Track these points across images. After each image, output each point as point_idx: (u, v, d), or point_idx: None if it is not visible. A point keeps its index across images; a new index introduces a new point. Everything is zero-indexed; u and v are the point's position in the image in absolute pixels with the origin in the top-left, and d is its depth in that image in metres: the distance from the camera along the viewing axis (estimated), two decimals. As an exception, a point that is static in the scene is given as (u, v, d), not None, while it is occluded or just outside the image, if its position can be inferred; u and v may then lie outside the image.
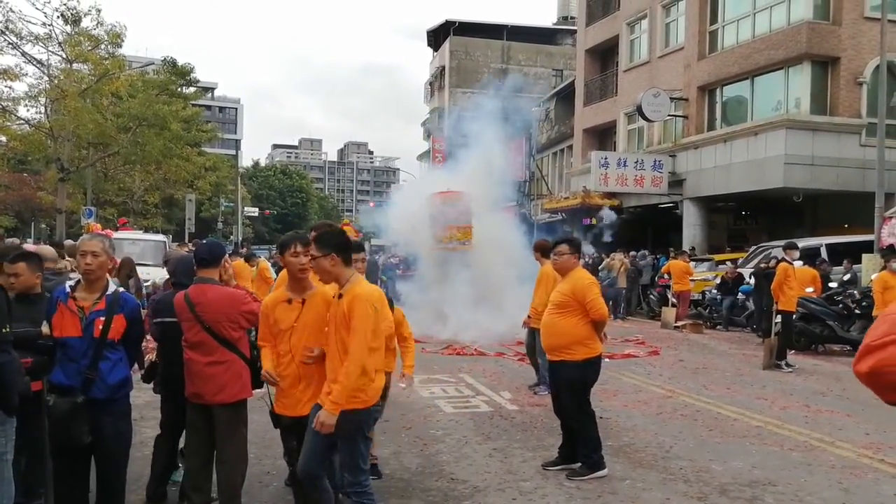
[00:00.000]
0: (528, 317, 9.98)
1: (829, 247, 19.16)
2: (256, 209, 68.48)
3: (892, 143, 18.60)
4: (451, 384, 10.53)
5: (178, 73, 33.66)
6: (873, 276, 15.34)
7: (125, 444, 4.61)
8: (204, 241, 5.57)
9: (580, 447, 6.31)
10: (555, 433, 7.41)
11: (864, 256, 16.98)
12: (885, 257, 13.01)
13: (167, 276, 6.13)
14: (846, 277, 17.05)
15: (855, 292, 15.05)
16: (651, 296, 22.57)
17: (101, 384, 4.37)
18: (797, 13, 21.78)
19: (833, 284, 16.06)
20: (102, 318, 4.39)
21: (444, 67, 54.03)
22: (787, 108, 22.14)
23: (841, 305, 14.67)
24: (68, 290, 4.48)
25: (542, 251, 10.25)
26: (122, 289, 4.73)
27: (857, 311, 14.48)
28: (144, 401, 7.61)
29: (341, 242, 4.28)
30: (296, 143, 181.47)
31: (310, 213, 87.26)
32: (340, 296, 4.20)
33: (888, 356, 1.56)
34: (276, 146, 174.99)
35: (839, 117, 21.57)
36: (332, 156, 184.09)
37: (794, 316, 13.31)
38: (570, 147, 35.97)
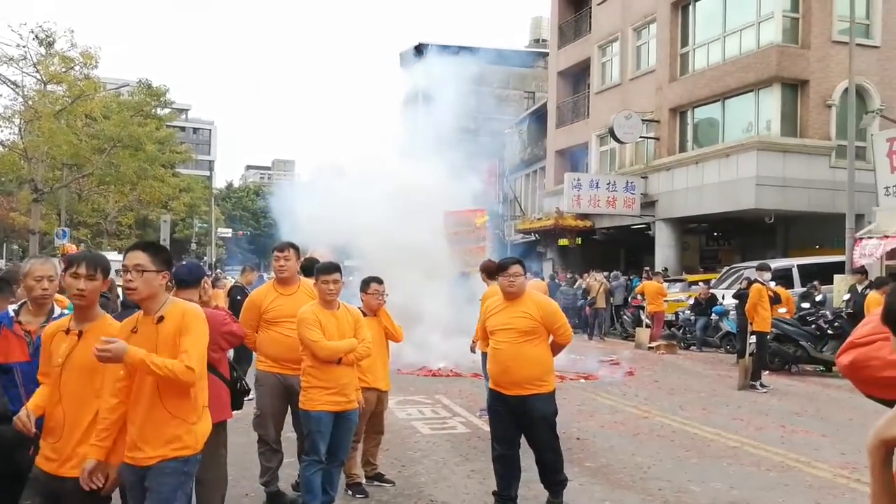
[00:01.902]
0: (474, 341, 9.67)
1: (801, 268, 19.40)
2: (230, 230, 68.12)
3: (862, 165, 18.88)
4: (428, 405, 10.50)
5: (153, 94, 33.58)
6: (845, 297, 15.56)
7: None
8: (183, 263, 5.51)
9: (554, 476, 5.89)
10: (531, 456, 7.39)
11: (836, 277, 17.18)
12: (877, 282, 12.99)
13: None
14: (818, 298, 17.25)
15: (827, 313, 15.23)
16: (625, 316, 22.72)
17: None
18: (766, 37, 22.15)
19: (805, 305, 16.23)
20: None
21: (416, 90, 54.17)
22: (758, 130, 22.45)
23: (814, 326, 14.83)
24: (12, 314, 4.33)
25: (489, 273, 9.54)
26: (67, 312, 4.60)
27: (829, 332, 14.65)
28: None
29: (171, 263, 3.75)
30: (269, 165, 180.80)
31: (283, 235, 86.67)
32: (161, 318, 3.51)
33: (868, 351, 1.70)
34: (249, 167, 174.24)
35: (809, 139, 21.90)
36: (306, 176, 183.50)
37: (769, 336, 13.43)
38: (543, 168, 36.18)
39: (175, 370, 3.36)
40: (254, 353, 6.46)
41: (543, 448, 5.84)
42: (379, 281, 6.53)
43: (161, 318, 3.51)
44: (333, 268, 5.54)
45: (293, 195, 18.53)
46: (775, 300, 15.45)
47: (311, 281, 6.38)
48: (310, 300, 5.73)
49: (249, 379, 5.70)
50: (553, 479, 5.95)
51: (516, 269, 5.79)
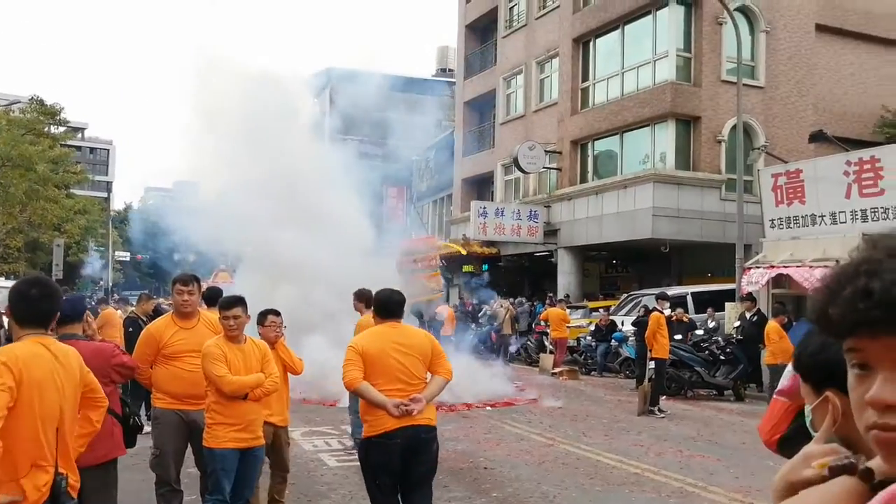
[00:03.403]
0: None
1: (695, 295, 20.16)
2: (128, 254, 65.80)
3: (750, 198, 19.84)
4: (335, 436, 10.40)
5: (46, 112, 32.35)
6: (735, 324, 16.25)
7: None
8: (65, 298, 5.26)
9: None
10: (439, 486, 7.44)
11: (728, 305, 17.91)
12: (775, 311, 13.59)
13: None
14: (711, 325, 17.95)
15: (720, 339, 15.87)
16: (529, 342, 23.05)
17: None
18: (662, 74, 23.09)
19: (699, 332, 16.86)
20: None
21: (324, 114, 54.00)
22: (654, 163, 23.30)
23: (707, 352, 15.43)
24: None
25: (365, 301, 8.71)
26: None
27: (721, 358, 15.28)
28: None
29: (18, 300, 3.46)
30: (170, 187, 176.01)
31: (181, 258, 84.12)
32: None
33: None
34: (149, 189, 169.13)
35: (701, 172, 22.86)
36: (210, 198, 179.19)
37: (666, 362, 13.90)
38: (450, 196, 36.56)
39: None
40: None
41: None
42: (276, 313, 6.43)
43: None
44: (235, 302, 5.43)
45: (190, 217, 18.21)
46: (690, 326, 16.10)
47: (212, 312, 6.28)
48: (211, 333, 5.61)
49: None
50: None
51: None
